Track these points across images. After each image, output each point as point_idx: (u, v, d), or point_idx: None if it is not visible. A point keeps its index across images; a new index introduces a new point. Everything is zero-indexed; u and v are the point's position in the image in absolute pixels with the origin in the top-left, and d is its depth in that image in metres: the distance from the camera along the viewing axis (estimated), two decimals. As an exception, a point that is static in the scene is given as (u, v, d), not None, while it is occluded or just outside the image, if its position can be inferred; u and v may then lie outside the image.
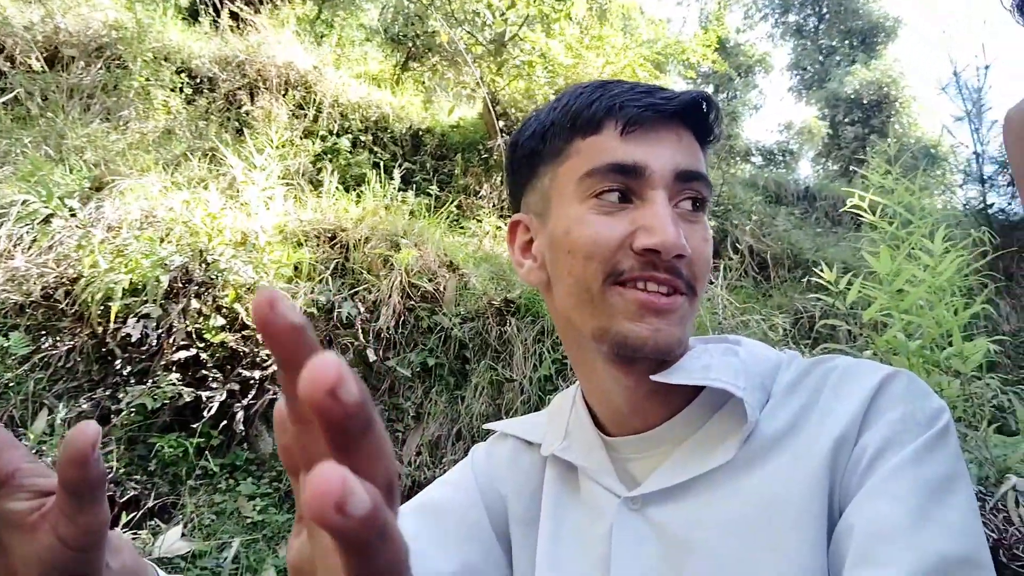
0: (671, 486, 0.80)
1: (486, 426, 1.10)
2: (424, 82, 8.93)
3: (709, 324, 4.96)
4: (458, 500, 0.97)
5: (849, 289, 3.96)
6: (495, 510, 0.97)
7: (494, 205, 6.87)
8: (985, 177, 9.06)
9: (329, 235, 4.83)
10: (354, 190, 5.82)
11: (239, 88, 6.75)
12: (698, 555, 0.76)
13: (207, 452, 3.75)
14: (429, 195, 6.37)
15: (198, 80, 6.67)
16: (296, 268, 4.50)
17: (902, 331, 3.79)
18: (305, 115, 6.76)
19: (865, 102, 13.20)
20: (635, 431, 0.87)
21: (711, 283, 5.55)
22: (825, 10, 16.38)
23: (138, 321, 3.87)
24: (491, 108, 7.39)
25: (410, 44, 8.79)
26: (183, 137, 5.93)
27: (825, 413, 0.78)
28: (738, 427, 0.79)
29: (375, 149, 6.90)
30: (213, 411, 3.78)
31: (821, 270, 4.14)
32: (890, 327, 3.80)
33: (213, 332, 3.95)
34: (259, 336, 0.37)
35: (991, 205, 8.86)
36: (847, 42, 15.77)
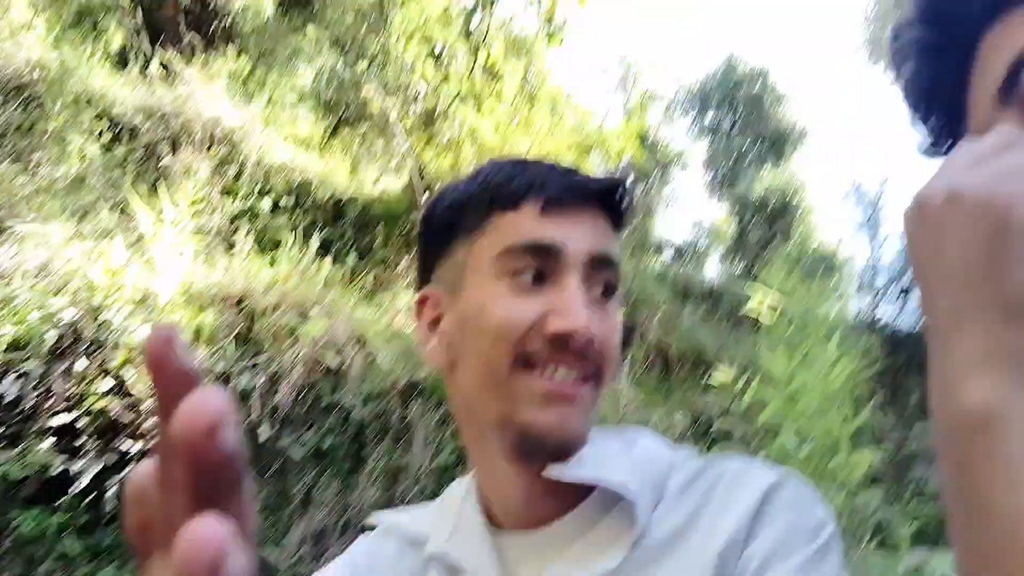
0: None
1: (370, 521, 1.03)
2: (352, 149, 8.94)
3: (610, 418, 5.00)
4: None
5: (746, 390, 4.06)
6: None
7: (411, 280, 6.84)
8: (877, 289, 9.57)
9: (236, 300, 4.71)
10: (269, 253, 5.72)
11: (161, 140, 6.60)
12: None
13: (71, 531, 3.51)
14: (346, 264, 6.31)
15: (119, 128, 6.49)
16: (197, 332, 4.36)
17: (794, 436, 3.90)
18: (227, 173, 6.66)
19: (771, 206, 13.86)
20: (528, 526, 0.84)
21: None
22: (739, 113, 17.24)
23: (16, 379, 3.65)
24: (417, 181, 7.45)
25: (342, 110, 8.81)
26: (95, 186, 5.74)
27: (714, 518, 0.77)
28: (629, 529, 0.78)
29: (295, 213, 6.82)
30: (84, 485, 3.56)
31: (720, 371, 4.25)
32: (782, 433, 3.92)
33: (96, 397, 3.76)
34: (149, 377, 0.32)
35: (880, 318, 9.34)
36: (758, 145, 16.62)
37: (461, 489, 0.94)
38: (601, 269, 0.82)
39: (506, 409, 0.78)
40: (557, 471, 0.78)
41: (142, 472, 0.33)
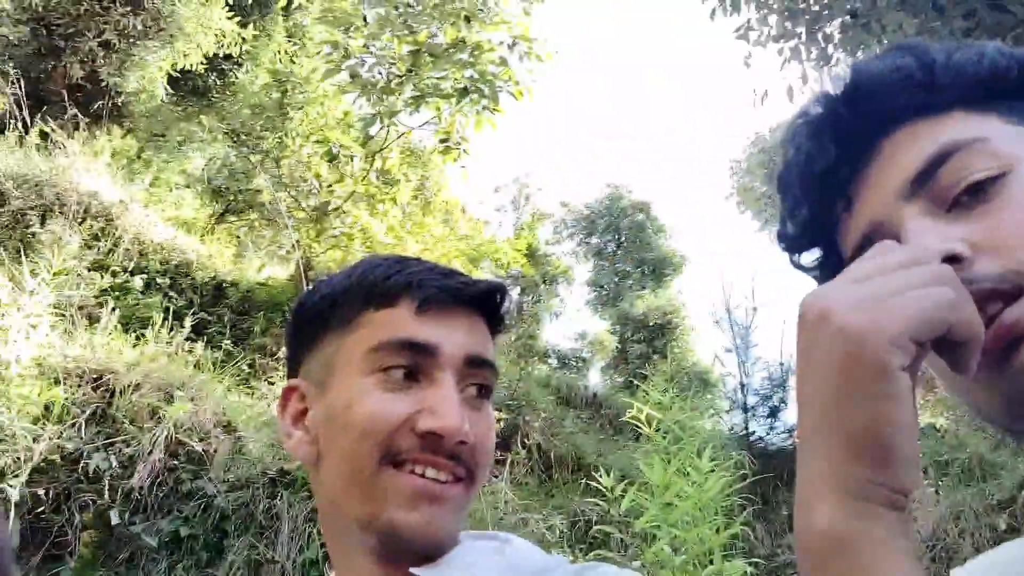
0: None
1: None
2: (238, 236, 8.77)
3: (489, 519, 4.88)
4: None
5: (624, 496, 4.09)
6: None
7: (277, 404, 6.61)
8: (748, 406, 9.99)
9: (95, 376, 4.40)
10: (137, 333, 5.41)
11: (31, 208, 6.28)
12: None
13: None
14: (221, 349, 6.04)
15: (-14, 192, 6.16)
16: (47, 408, 4.01)
17: (669, 544, 3.92)
18: (99, 248, 6.35)
19: (651, 324, 14.42)
20: None
21: (496, 476, 5.53)
22: (623, 239, 18.18)
23: None
24: (303, 273, 7.33)
25: (231, 198, 8.68)
26: (-49, 249, 5.36)
27: None
28: None
29: (171, 294, 6.54)
30: None
31: (600, 476, 4.27)
32: (658, 539, 3.93)
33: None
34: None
35: (752, 432, 9.71)
36: (640, 269, 17.52)
37: None
38: (476, 370, 0.81)
39: (371, 508, 0.75)
40: (425, 571, 0.75)
41: None
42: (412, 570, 0.75)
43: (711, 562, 3.83)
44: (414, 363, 0.77)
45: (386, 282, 0.81)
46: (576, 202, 19.18)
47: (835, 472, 0.44)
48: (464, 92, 7.31)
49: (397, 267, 0.82)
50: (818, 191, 0.66)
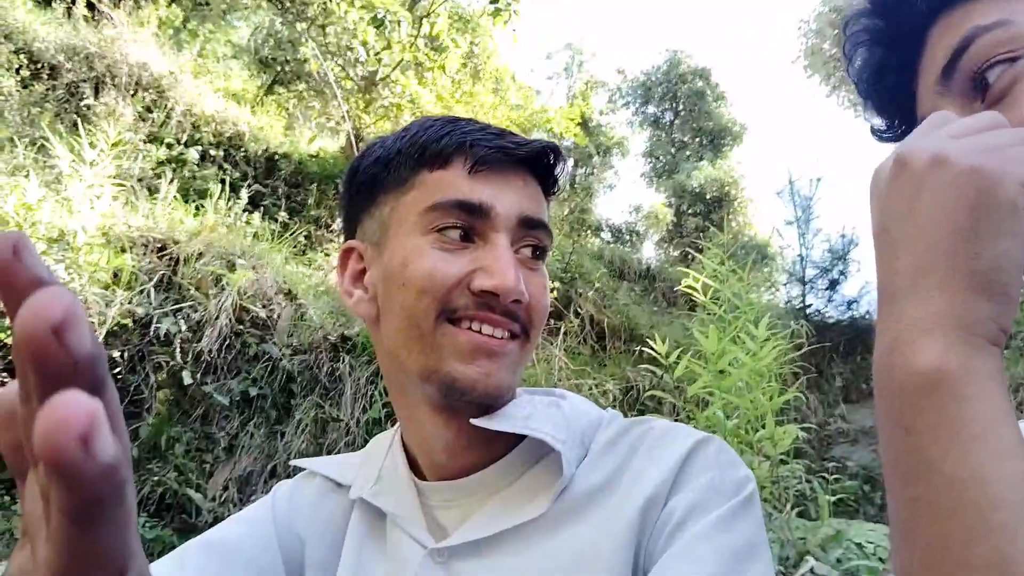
0: (479, 539, 0.77)
1: (293, 462, 1.02)
2: (288, 108, 8.69)
3: (544, 384, 4.98)
4: (251, 540, 0.88)
5: (678, 364, 4.11)
6: (291, 554, 0.89)
7: (336, 265, 6.69)
8: (807, 279, 9.86)
9: (159, 245, 4.49)
10: (196, 204, 5.48)
11: (83, 80, 6.28)
12: None
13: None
14: (277, 221, 6.11)
15: (39, 65, 6.15)
16: (115, 275, 4.13)
17: (722, 410, 3.96)
18: (153, 120, 6.36)
19: (708, 197, 14.12)
20: (452, 476, 0.83)
21: (550, 343, 5.61)
22: (681, 107, 17.54)
23: (-84, 309, 3.40)
24: (354, 143, 7.27)
25: (278, 68, 8.56)
26: (11, 121, 5.41)
27: (638, 474, 0.77)
28: (554, 481, 0.78)
29: (225, 166, 6.57)
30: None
31: (653, 344, 4.28)
32: (711, 405, 3.97)
33: (6, 332, 3.53)
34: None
35: (810, 305, 9.62)
36: (697, 140, 16.93)
37: (386, 440, 0.94)
38: (530, 231, 0.82)
39: (431, 362, 0.76)
40: (484, 421, 0.77)
41: (6, 392, 0.32)
42: (472, 421, 0.77)
43: (763, 427, 3.87)
44: (468, 224, 0.78)
45: (439, 143, 0.81)
46: (632, 69, 18.51)
47: (952, 308, 0.43)
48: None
49: (449, 127, 0.83)
50: (885, 94, 0.69)
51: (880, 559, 2.96)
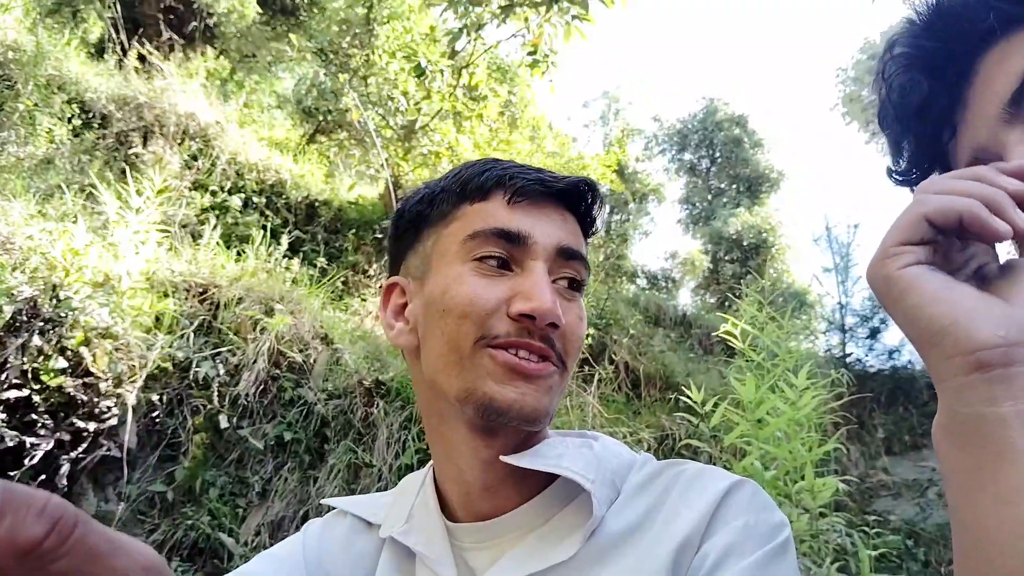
0: None
1: (324, 501, 1.03)
2: (329, 156, 8.87)
3: (578, 428, 4.93)
4: None
5: (714, 412, 4.05)
6: None
7: (381, 286, 6.75)
8: (847, 327, 9.70)
9: (200, 290, 4.58)
10: (238, 249, 5.60)
11: (133, 130, 6.49)
12: None
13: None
14: (315, 267, 6.20)
15: (90, 115, 6.39)
16: (158, 319, 4.22)
17: (759, 460, 3.88)
18: (198, 167, 6.54)
19: (745, 243, 14.03)
20: (483, 517, 0.83)
21: (584, 390, 5.56)
22: (718, 155, 17.57)
23: (-34, 351, 3.49)
24: (392, 191, 7.39)
25: (320, 118, 8.76)
26: (62, 169, 5.61)
27: (671, 516, 0.77)
28: (584, 522, 0.77)
29: (267, 212, 6.72)
30: (35, 460, 3.40)
31: (690, 392, 4.22)
32: (749, 455, 3.89)
33: (51, 375, 3.60)
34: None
35: (850, 354, 9.45)
36: (735, 186, 16.92)
37: (417, 480, 0.95)
38: (567, 262, 0.84)
39: (468, 384, 0.78)
40: (515, 459, 0.78)
41: None
42: (503, 458, 0.78)
43: (802, 478, 3.78)
44: (507, 253, 0.80)
45: (480, 177, 0.84)
46: (669, 116, 18.64)
47: None
48: (553, 0, 7.08)
49: (491, 164, 0.86)
50: (920, 124, 0.66)
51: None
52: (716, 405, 4.08)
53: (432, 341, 0.82)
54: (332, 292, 5.82)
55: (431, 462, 0.93)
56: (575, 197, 0.87)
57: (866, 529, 4.54)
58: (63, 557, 0.28)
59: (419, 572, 0.84)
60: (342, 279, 6.17)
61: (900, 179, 0.72)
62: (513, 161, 0.88)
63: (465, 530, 0.84)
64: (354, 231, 7.16)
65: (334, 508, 0.99)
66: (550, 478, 0.83)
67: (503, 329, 0.78)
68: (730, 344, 4.78)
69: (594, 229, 0.91)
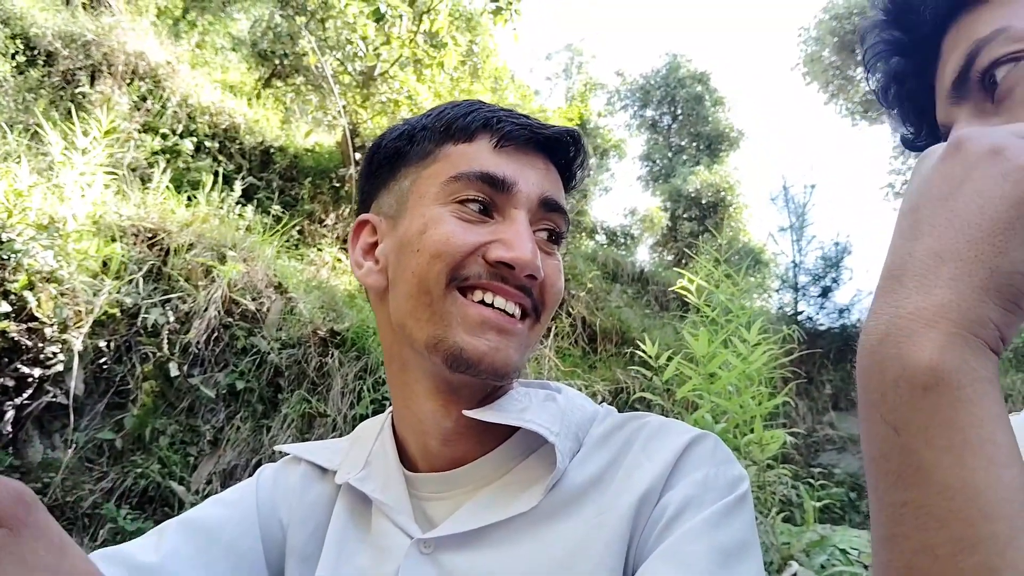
0: (467, 531, 0.76)
1: (278, 447, 1.01)
2: (285, 102, 8.65)
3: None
4: (232, 524, 0.87)
5: (668, 366, 4.10)
6: (272, 540, 0.88)
7: (338, 236, 6.67)
8: (799, 286, 9.87)
9: (149, 235, 4.47)
10: (189, 195, 5.46)
11: (80, 68, 6.25)
12: None
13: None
14: (270, 215, 6.08)
15: (35, 51, 6.12)
16: (105, 264, 4.11)
17: (710, 413, 3.95)
18: (148, 109, 6.33)
19: (703, 202, 14.13)
20: (442, 467, 0.82)
21: (541, 343, 5.59)
22: (679, 112, 17.59)
23: (-97, 293, 3.37)
24: (350, 139, 7.25)
25: (276, 62, 8.52)
26: (5, 107, 5.39)
27: (632, 468, 0.76)
28: (547, 474, 0.77)
29: (220, 158, 6.55)
30: (-24, 406, 3.32)
31: (644, 346, 4.27)
32: (700, 408, 3.96)
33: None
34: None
35: (802, 312, 9.64)
36: (695, 144, 16.99)
37: (375, 427, 0.93)
38: (549, 213, 0.82)
39: (439, 332, 0.76)
40: (478, 413, 0.77)
41: None
42: (466, 413, 0.77)
43: (751, 431, 3.86)
44: (490, 198, 0.78)
45: (466, 117, 0.82)
46: (631, 71, 18.53)
47: (960, 303, 0.41)
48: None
49: (477, 106, 0.84)
50: (909, 100, 0.69)
51: (864, 565, 2.96)
52: (670, 359, 4.13)
53: (402, 282, 0.80)
54: (287, 241, 5.73)
55: (390, 408, 0.91)
56: (560, 147, 0.85)
57: (811, 481, 4.68)
58: None
59: (375, 520, 0.83)
60: (298, 228, 6.07)
61: (913, 144, 0.73)
62: (499, 105, 0.85)
63: (424, 480, 0.83)
64: (310, 179, 7.02)
65: (288, 454, 0.97)
66: (512, 428, 0.82)
67: (477, 271, 0.76)
68: (685, 301, 4.83)
69: (574, 183, 0.89)
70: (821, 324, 9.64)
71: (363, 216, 0.89)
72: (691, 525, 0.69)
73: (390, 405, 0.90)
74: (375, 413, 4.27)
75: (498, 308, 0.76)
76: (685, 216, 14.16)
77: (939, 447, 0.39)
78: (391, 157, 0.87)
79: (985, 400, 0.40)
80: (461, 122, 0.82)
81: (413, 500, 0.82)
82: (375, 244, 0.86)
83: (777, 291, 10.61)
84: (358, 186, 0.94)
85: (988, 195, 0.42)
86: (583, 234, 11.93)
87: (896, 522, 0.40)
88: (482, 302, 0.76)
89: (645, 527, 0.72)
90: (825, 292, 9.95)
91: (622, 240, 14.35)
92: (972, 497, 0.38)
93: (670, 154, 17.12)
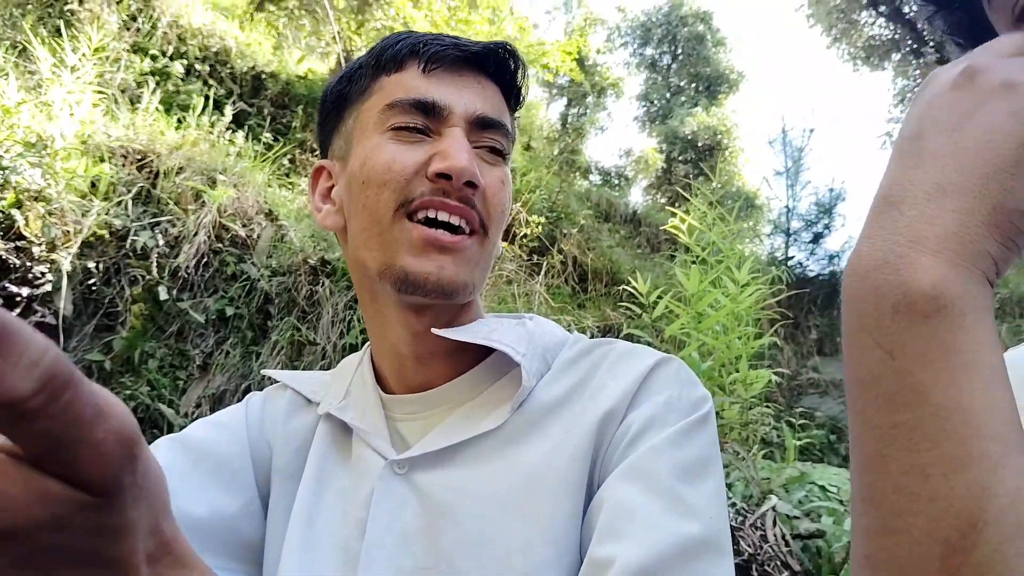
0: (438, 450, 0.79)
1: (265, 372, 1.05)
2: (277, 27, 8.45)
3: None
4: (223, 444, 0.89)
5: (657, 304, 4.13)
6: (260, 460, 0.91)
7: (308, 184, 6.57)
8: (791, 231, 9.88)
9: (138, 156, 4.40)
10: (179, 117, 5.36)
11: (66, -17, 6.05)
12: (457, 523, 0.74)
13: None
14: (261, 142, 5.99)
15: (20, -35, 5.92)
16: (93, 185, 4.06)
17: (697, 351, 4.00)
18: (138, 29, 6.17)
19: (700, 144, 14.02)
20: (416, 389, 0.85)
21: (532, 279, 5.60)
22: (680, 51, 17.29)
23: None
24: (343, 66, 7.10)
25: (270, -16, 8.30)
26: (-10, 22, 5.24)
27: (598, 389, 0.79)
28: (514, 394, 0.79)
29: (210, 82, 6.40)
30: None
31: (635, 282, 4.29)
32: (688, 346, 4.01)
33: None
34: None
35: (792, 257, 9.66)
36: (694, 85, 16.73)
37: (355, 360, 0.96)
38: (487, 130, 0.83)
39: (387, 258, 0.78)
40: (445, 332, 0.79)
41: None
42: (434, 331, 0.79)
43: (737, 370, 3.91)
44: (424, 123, 0.80)
45: (395, 47, 0.83)
46: (633, 7, 18.12)
47: (962, 234, 0.41)
48: None
49: (405, 35, 0.85)
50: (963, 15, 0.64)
51: (841, 501, 3.02)
52: (660, 297, 4.15)
53: (355, 217, 0.82)
54: (278, 169, 5.66)
55: (367, 344, 0.94)
56: (494, 63, 0.85)
57: (792, 421, 4.76)
58: (43, 420, 0.25)
59: (355, 445, 0.85)
60: (289, 156, 5.99)
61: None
62: (430, 32, 0.86)
63: (399, 401, 0.86)
64: (303, 107, 6.89)
65: (275, 381, 1.00)
66: (483, 354, 0.85)
67: (420, 191, 0.77)
68: (676, 244, 4.83)
69: (519, 99, 0.90)
70: (811, 270, 9.68)
71: (319, 163, 0.92)
72: (654, 443, 0.71)
73: (369, 343, 0.93)
74: (364, 342, 4.26)
75: (441, 222, 0.77)
76: (680, 158, 14.06)
77: (936, 370, 0.39)
78: (336, 101, 0.89)
79: (982, 327, 0.40)
80: (391, 52, 0.83)
81: (389, 423, 0.85)
82: (331, 187, 0.89)
83: (768, 235, 10.62)
84: (316, 135, 0.97)
85: (997, 132, 0.42)
86: (577, 173, 11.86)
87: (885, 443, 0.41)
88: (426, 220, 0.77)
89: (609, 445, 0.74)
90: (816, 238, 9.95)
91: (616, 181, 14.28)
92: (966, 417, 0.38)
93: (668, 95, 16.88)
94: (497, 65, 0.85)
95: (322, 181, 0.91)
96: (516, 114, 0.91)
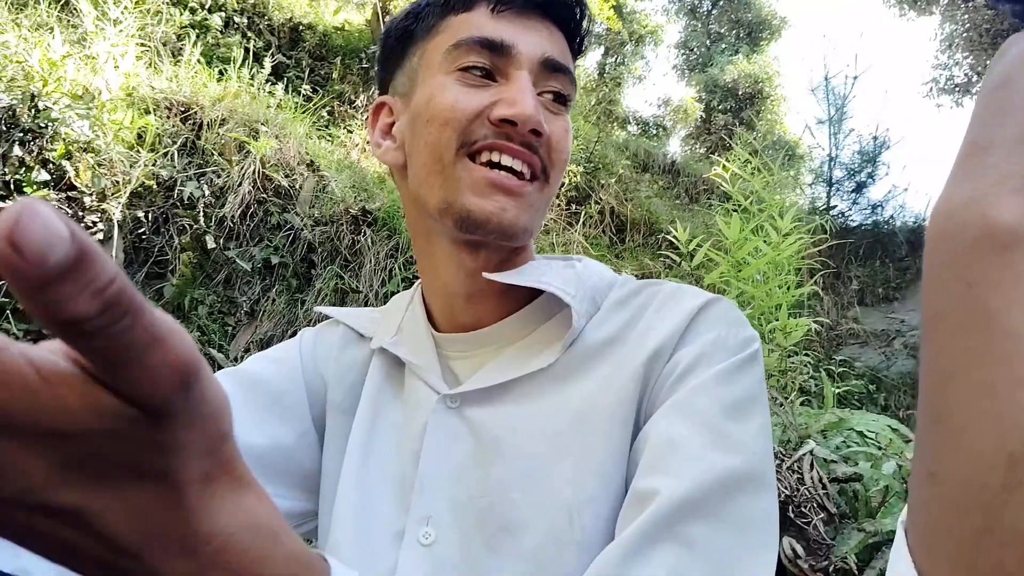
0: (490, 386, 0.81)
1: (318, 309, 1.08)
2: (313, -23, 8.40)
3: (562, 267, 5.00)
4: (279, 378, 0.93)
5: (697, 252, 4.12)
6: (315, 394, 0.94)
7: (368, 119, 6.59)
8: (834, 180, 9.68)
9: (182, 108, 4.46)
10: (220, 70, 5.41)
11: (106, -63, 6.07)
12: (507, 457, 0.76)
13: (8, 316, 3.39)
14: (300, 94, 6.02)
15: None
16: (140, 136, 4.13)
17: (737, 300, 3.99)
18: (177, -19, 6.19)
19: (740, 93, 13.71)
20: (467, 328, 0.87)
21: (570, 227, 5.61)
22: (720, -4, 16.81)
23: (-55, 157, 3.44)
24: (380, 17, 7.07)
25: (305, -66, 8.24)
26: (33, -24, 5.29)
27: (647, 328, 0.80)
28: (565, 334, 0.80)
29: (249, 34, 6.43)
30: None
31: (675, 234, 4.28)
32: (727, 294, 3.99)
33: (34, 187, 3.57)
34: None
35: (834, 207, 9.48)
36: (735, 32, 16.25)
37: (406, 298, 0.98)
38: (553, 74, 0.83)
39: (448, 196, 0.78)
40: (497, 276, 0.80)
41: None
42: (485, 275, 0.81)
43: (776, 319, 3.90)
44: (490, 62, 0.80)
45: None
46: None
47: None
48: None
49: None
50: None
51: (879, 446, 3.04)
52: (699, 245, 4.14)
53: (416, 154, 0.83)
54: (318, 121, 5.69)
55: (418, 283, 0.96)
56: (561, 8, 0.85)
57: (831, 370, 4.73)
58: (100, 340, 0.26)
59: (407, 380, 0.88)
60: (327, 108, 6.02)
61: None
62: None
63: (450, 340, 0.88)
64: (340, 59, 6.90)
65: (327, 317, 1.03)
66: (533, 295, 0.86)
67: (483, 133, 0.78)
68: (715, 194, 4.78)
69: (584, 46, 0.90)
70: (853, 220, 9.48)
71: (380, 99, 0.92)
72: (701, 380, 0.72)
73: (419, 281, 0.95)
74: (405, 290, 4.34)
75: (505, 167, 0.78)
76: (720, 108, 13.76)
77: (1010, 297, 0.40)
78: (401, 37, 0.89)
79: None
80: None
81: (441, 360, 0.87)
82: (392, 123, 0.89)
83: (810, 185, 10.40)
84: (376, 72, 0.97)
85: None
86: (615, 124, 11.71)
87: (956, 365, 0.42)
88: (489, 163, 0.78)
89: (656, 382, 0.75)
90: (859, 187, 9.72)
91: (654, 131, 14.05)
92: None
93: (708, 42, 16.46)
94: (563, 10, 0.86)
95: (383, 117, 0.91)
96: (577, 61, 0.92)
